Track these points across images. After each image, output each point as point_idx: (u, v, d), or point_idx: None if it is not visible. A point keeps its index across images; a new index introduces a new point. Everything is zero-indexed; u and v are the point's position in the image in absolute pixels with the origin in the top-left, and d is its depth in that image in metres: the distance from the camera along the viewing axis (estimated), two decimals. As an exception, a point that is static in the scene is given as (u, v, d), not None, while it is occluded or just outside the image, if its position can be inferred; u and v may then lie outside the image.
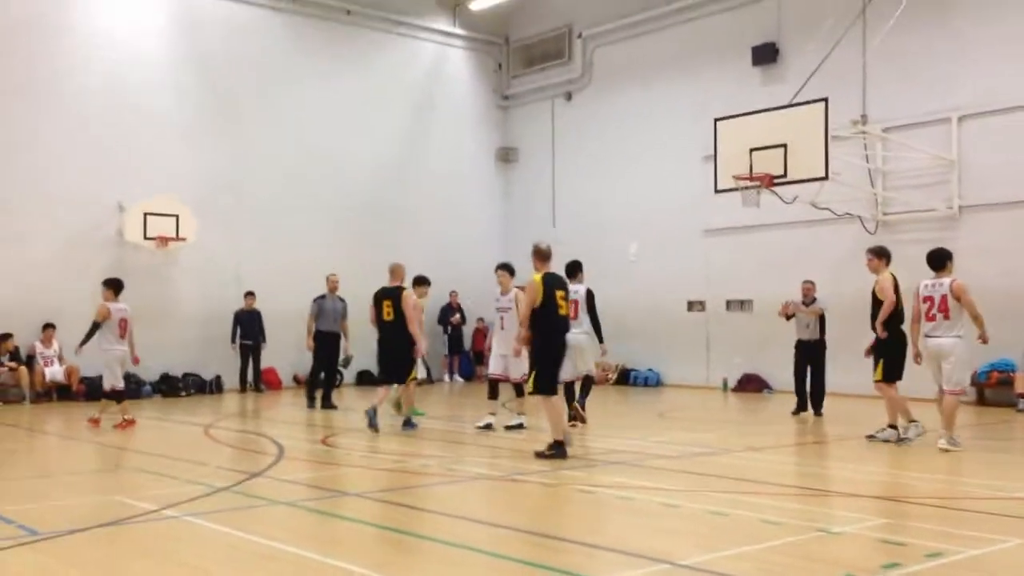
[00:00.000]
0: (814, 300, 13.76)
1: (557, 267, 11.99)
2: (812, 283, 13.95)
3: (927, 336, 10.24)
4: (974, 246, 15.43)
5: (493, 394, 12.16)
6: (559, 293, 9.54)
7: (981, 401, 15.18)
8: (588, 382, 12.57)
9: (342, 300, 15.14)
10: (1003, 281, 15.16)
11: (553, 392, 9.53)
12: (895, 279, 10.55)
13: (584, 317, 12.23)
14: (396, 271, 12.28)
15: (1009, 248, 15.16)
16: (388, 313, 11.89)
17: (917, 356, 10.42)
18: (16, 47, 17.07)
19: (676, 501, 7.25)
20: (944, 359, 10.01)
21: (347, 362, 19.73)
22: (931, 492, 7.93)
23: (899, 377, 10.56)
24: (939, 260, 10.31)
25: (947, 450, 9.78)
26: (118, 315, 12.37)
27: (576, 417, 12.06)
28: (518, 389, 11.84)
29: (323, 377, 15.22)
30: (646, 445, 10.61)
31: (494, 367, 12.18)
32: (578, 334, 12.03)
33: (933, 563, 5.35)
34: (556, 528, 6.43)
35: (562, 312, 9.55)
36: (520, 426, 11.65)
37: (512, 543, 6.00)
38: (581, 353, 12.22)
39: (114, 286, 12.61)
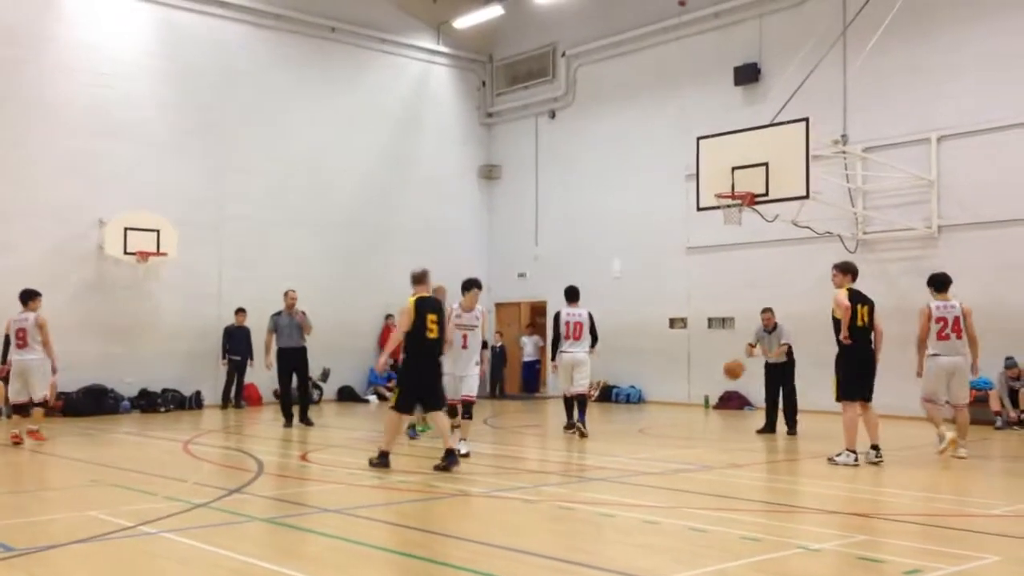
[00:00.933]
0: (775, 327, 13.60)
1: (555, 289, 12.35)
2: (771, 310, 13.75)
3: (939, 355, 10.61)
4: (953, 265, 15.47)
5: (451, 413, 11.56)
6: (431, 317, 9.80)
7: (960, 419, 15.25)
8: (583, 400, 13.26)
9: (301, 313, 14.95)
10: (981, 300, 15.21)
11: (409, 413, 9.95)
12: (851, 293, 10.54)
13: (587, 337, 13.19)
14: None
15: (987, 267, 15.29)
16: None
17: (919, 373, 10.88)
18: (-2, 57, 17.05)
19: (657, 518, 7.25)
20: (959, 376, 10.63)
21: (325, 376, 19.62)
22: (910, 509, 7.96)
23: (855, 395, 10.40)
24: (944, 283, 10.86)
25: (964, 458, 10.54)
26: (14, 325, 12.33)
27: (574, 427, 13.15)
28: (464, 411, 11.01)
29: (297, 393, 15.05)
30: (627, 462, 10.61)
31: (452, 392, 11.14)
32: (578, 353, 13.12)
33: (912, 580, 5.37)
34: (537, 545, 6.41)
35: (431, 336, 9.76)
36: (466, 454, 10.67)
37: (492, 560, 5.98)
38: (579, 370, 13.11)
39: (20, 295, 12.51)
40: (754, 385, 17.08)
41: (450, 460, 9.63)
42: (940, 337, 10.55)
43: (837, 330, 10.48)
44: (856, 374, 10.41)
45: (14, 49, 17.20)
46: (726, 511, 7.57)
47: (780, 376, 13.63)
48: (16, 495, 8.97)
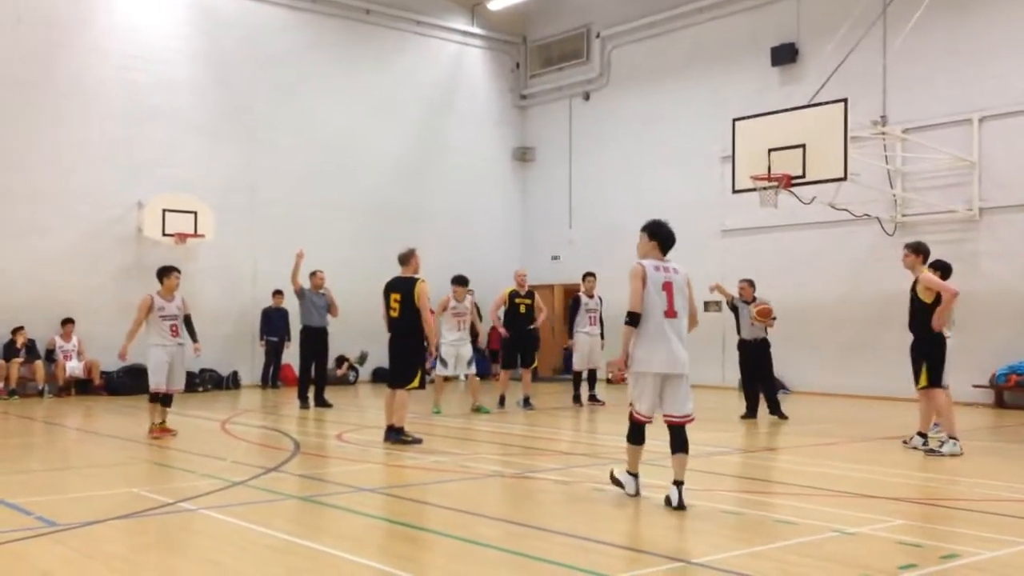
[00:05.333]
0: (754, 299, 13.10)
1: (574, 273, 13.52)
2: (749, 282, 13.39)
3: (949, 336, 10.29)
4: (994, 248, 15.34)
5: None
6: (393, 296, 10.32)
7: (1000, 404, 15.08)
8: (592, 374, 15.40)
9: (324, 295, 14.87)
10: (1023, 283, 15.06)
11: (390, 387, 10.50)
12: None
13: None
14: (519, 277, 15.04)
15: (1030, 250, 15.04)
16: (523, 309, 14.74)
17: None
18: (36, 41, 17.23)
19: (691, 500, 7.23)
20: None
21: (363, 359, 19.76)
22: (947, 494, 7.89)
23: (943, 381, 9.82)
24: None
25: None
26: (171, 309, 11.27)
27: (593, 399, 15.20)
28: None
29: (315, 374, 14.75)
30: (661, 444, 10.57)
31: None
32: (597, 334, 15.13)
33: (949, 564, 5.33)
34: (570, 525, 6.43)
35: (392, 315, 10.32)
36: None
37: (526, 540, 6.01)
38: (595, 349, 15.09)
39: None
40: (790, 367, 17.00)
41: (388, 435, 10.29)
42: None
43: (922, 314, 9.64)
44: (943, 359, 9.69)
45: (51, 33, 17.39)
46: (760, 494, 7.55)
47: (755, 355, 13.07)
48: (60, 472, 9.16)
